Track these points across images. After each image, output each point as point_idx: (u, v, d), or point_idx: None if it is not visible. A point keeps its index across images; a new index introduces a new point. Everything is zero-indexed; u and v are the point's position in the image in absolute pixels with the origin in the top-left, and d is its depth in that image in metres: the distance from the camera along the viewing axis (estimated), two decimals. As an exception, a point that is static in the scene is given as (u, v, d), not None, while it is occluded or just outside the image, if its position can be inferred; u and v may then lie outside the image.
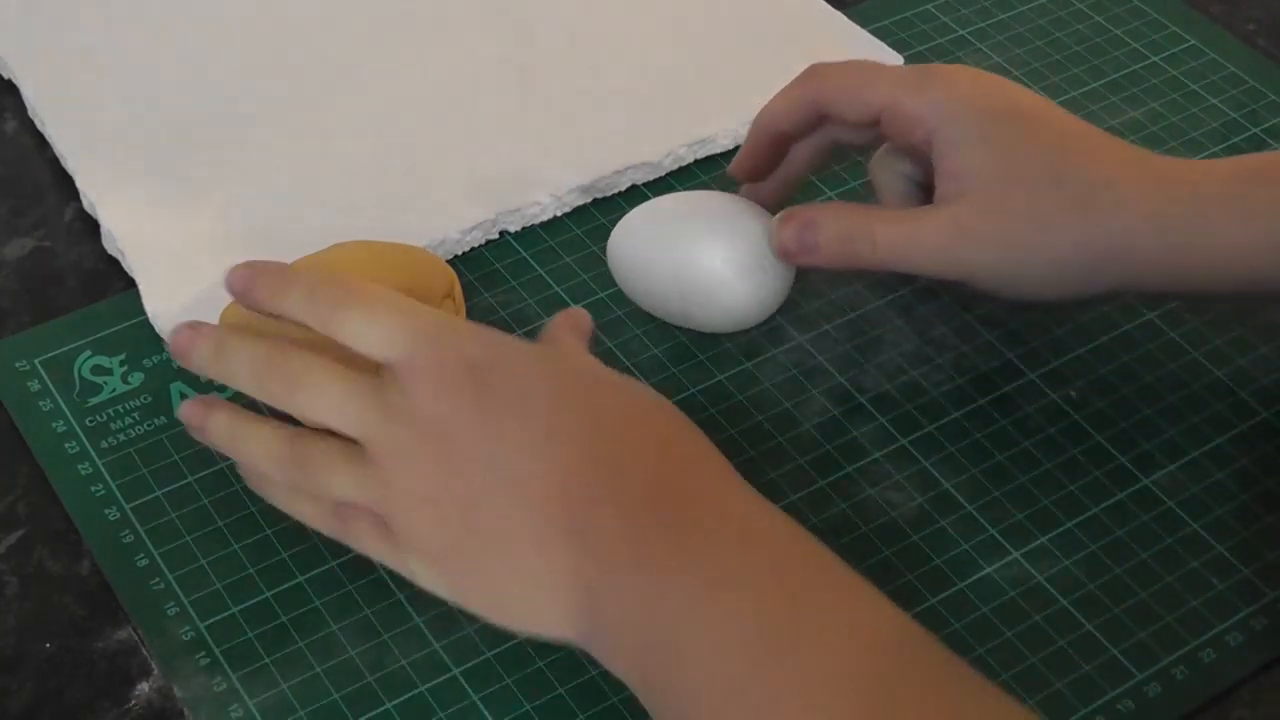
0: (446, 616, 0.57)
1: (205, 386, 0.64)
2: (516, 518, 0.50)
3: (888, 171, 0.65)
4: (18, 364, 0.65)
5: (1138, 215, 0.59)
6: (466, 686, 0.56)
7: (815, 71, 0.63)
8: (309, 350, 0.53)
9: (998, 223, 0.59)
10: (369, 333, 0.52)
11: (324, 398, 0.52)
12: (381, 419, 0.51)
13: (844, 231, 0.60)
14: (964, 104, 0.60)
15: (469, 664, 0.56)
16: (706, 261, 0.63)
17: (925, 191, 0.64)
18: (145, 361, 0.65)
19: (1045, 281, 0.60)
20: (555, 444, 0.50)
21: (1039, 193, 0.59)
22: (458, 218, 0.70)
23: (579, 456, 0.50)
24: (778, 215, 0.62)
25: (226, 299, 0.66)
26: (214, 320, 0.65)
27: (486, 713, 0.55)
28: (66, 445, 0.62)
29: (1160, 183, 0.60)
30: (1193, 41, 0.81)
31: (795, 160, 0.66)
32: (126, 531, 0.60)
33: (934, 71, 0.62)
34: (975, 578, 0.59)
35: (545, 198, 0.71)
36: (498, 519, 0.50)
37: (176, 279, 0.67)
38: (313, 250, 0.68)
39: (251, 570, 0.58)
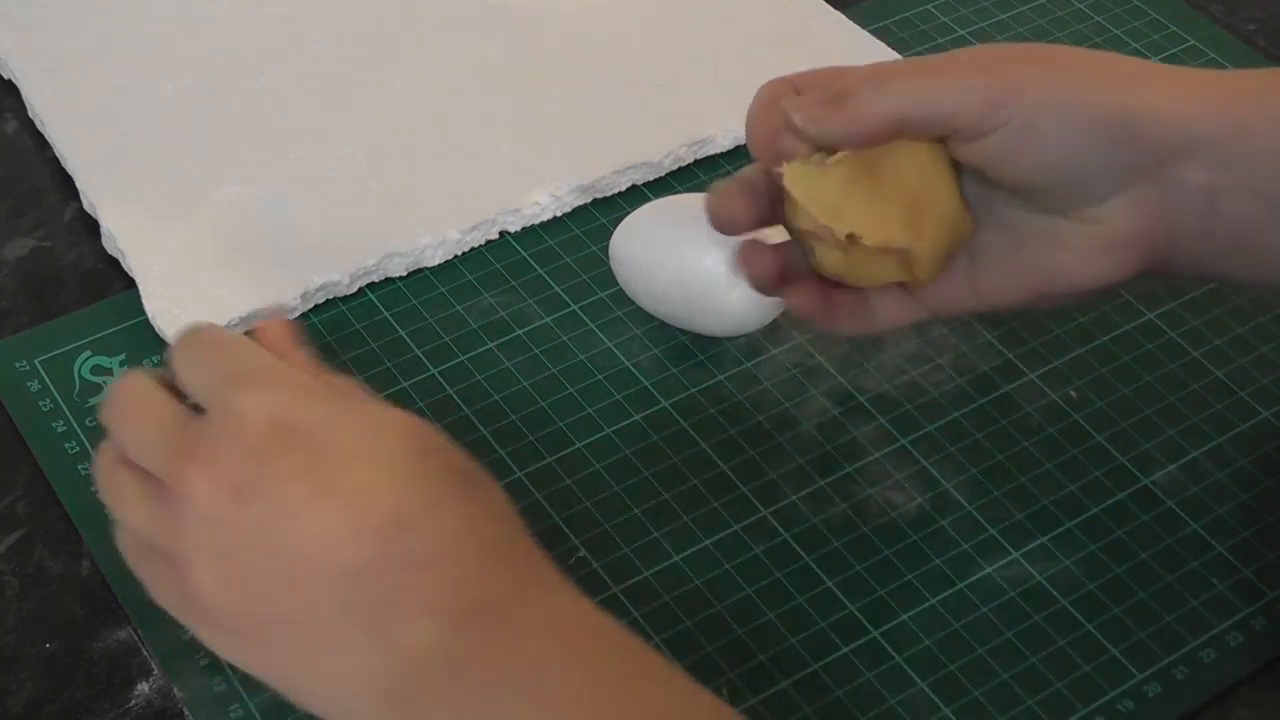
0: (446, 616, 0.57)
1: (205, 386, 0.64)
2: (313, 605, 0.45)
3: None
4: (18, 364, 0.65)
5: (1172, 97, 0.54)
6: (466, 686, 0.55)
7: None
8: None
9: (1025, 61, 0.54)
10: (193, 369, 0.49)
11: (137, 431, 0.49)
12: (184, 460, 0.47)
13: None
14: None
15: (469, 664, 0.56)
16: (711, 266, 0.63)
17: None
18: (145, 361, 0.65)
19: (1077, 143, 0.54)
20: (359, 525, 0.45)
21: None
22: (458, 217, 0.70)
23: (384, 546, 0.45)
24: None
25: (225, 299, 0.66)
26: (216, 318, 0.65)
27: (486, 713, 0.55)
28: (66, 445, 0.62)
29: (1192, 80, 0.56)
30: (1193, 41, 0.81)
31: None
32: (126, 531, 0.60)
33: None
34: (975, 578, 0.59)
35: (545, 198, 0.71)
36: (292, 600, 0.45)
37: (176, 279, 0.67)
38: (311, 247, 0.68)
39: (251, 570, 0.58)
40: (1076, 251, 0.55)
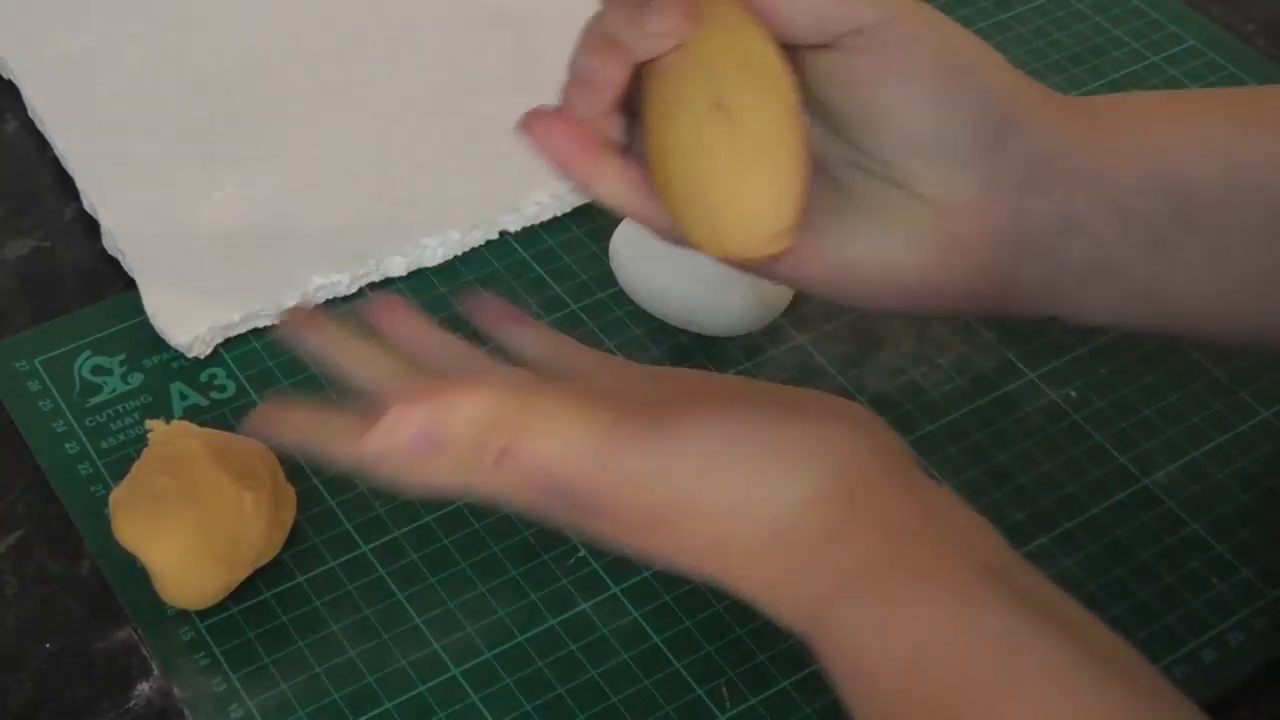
0: (446, 616, 0.57)
1: (205, 388, 0.64)
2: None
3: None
4: (18, 364, 0.65)
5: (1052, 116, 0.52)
6: (466, 686, 0.56)
7: None
8: None
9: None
10: None
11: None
12: None
13: None
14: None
15: (469, 664, 0.56)
16: (711, 266, 0.63)
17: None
18: (145, 361, 0.65)
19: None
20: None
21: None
22: (458, 217, 0.70)
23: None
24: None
25: (225, 299, 0.66)
26: (216, 316, 0.65)
27: (486, 713, 0.55)
28: (66, 445, 0.62)
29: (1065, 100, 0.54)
30: (1192, 41, 0.81)
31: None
32: (126, 531, 0.60)
33: None
34: (975, 578, 0.59)
35: (545, 198, 0.71)
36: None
37: (176, 279, 0.67)
38: (311, 247, 0.68)
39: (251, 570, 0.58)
40: (907, 237, 0.51)
